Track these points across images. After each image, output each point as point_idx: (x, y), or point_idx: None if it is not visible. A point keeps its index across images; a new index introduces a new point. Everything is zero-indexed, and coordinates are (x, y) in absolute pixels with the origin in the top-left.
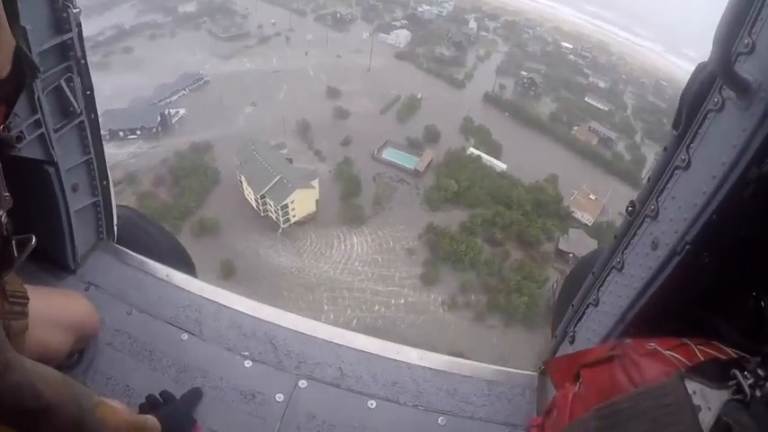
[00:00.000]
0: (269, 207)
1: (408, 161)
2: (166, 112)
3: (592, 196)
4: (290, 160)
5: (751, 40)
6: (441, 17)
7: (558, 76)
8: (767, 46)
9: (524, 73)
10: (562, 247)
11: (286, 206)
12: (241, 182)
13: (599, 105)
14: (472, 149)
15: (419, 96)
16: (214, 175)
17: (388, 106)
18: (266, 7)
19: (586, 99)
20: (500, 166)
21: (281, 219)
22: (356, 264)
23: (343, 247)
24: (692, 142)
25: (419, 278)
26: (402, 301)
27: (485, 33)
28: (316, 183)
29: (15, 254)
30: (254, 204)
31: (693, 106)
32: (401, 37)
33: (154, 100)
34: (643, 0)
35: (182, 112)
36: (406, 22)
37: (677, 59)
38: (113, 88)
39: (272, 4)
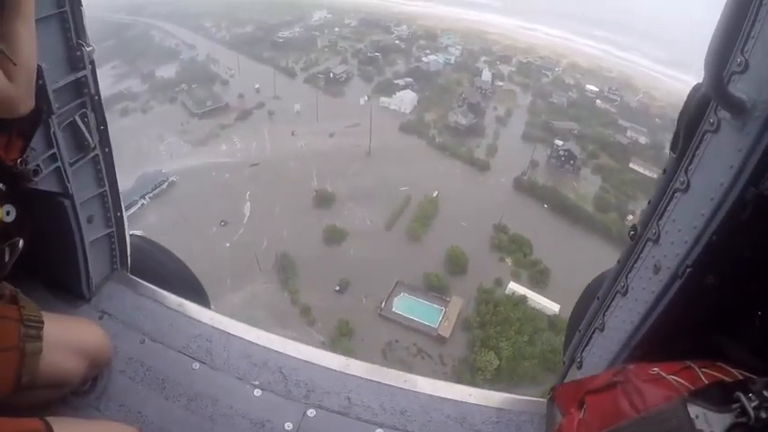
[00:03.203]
0: None
1: (428, 315)
2: None
3: None
4: None
5: (744, 59)
6: (449, 65)
7: (592, 134)
8: (760, 64)
9: (559, 143)
10: None
11: None
12: None
13: (646, 172)
14: (512, 286)
15: (435, 195)
16: None
17: (395, 216)
18: (252, 66)
19: (631, 165)
20: (551, 308)
21: None
22: None
23: None
24: (690, 164)
25: None
26: None
27: (500, 83)
28: None
29: (7, 258)
30: None
31: (690, 128)
32: (406, 100)
33: None
34: (651, 16)
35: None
36: (410, 79)
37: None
38: None
39: (259, 62)
